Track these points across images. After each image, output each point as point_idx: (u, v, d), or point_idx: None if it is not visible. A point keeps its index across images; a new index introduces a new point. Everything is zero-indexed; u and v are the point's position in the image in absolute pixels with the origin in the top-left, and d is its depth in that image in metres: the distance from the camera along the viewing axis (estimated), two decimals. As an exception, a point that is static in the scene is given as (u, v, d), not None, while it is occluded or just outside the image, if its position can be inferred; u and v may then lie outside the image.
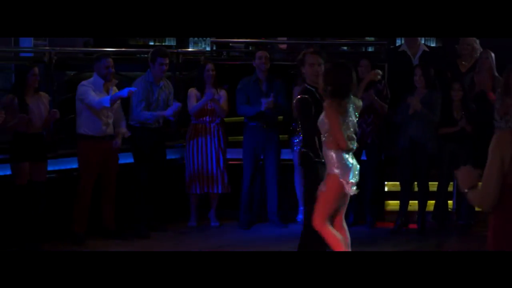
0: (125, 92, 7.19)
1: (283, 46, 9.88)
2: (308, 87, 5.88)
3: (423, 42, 8.86)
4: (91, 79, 7.36)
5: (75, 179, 7.35)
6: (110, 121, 7.36)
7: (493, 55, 7.99)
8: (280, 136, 8.08)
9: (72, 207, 7.28)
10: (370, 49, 10.36)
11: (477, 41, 8.29)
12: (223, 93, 7.95)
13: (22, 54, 9.27)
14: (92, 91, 7.21)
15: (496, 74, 7.94)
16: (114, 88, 7.42)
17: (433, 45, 10.49)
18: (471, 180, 3.41)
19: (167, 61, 7.60)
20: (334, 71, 5.53)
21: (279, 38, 9.48)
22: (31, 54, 9.17)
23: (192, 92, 7.93)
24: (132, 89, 7.26)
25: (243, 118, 8.10)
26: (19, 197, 6.84)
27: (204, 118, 7.91)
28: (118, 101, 7.34)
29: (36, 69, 6.98)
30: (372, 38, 11.30)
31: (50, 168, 7.22)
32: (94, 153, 7.25)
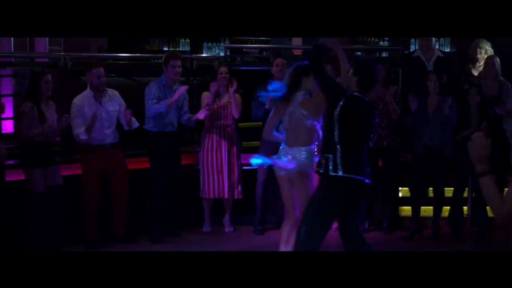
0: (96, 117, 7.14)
1: (298, 52, 9.87)
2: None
3: (437, 47, 8.82)
4: (84, 92, 7.34)
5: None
6: (109, 130, 7.34)
7: (498, 60, 7.97)
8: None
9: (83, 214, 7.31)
10: (384, 54, 10.33)
11: (489, 44, 8.25)
12: (237, 96, 7.94)
13: (37, 60, 9.30)
14: (81, 117, 7.16)
15: (502, 78, 7.93)
16: (110, 93, 7.39)
17: (447, 50, 10.47)
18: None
19: (180, 64, 7.60)
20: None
21: (294, 43, 9.47)
22: (46, 60, 9.20)
23: (206, 95, 7.93)
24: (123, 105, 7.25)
25: (257, 123, 8.09)
26: (35, 203, 6.84)
27: (219, 123, 7.92)
28: (116, 107, 7.30)
29: (49, 76, 7.00)
30: (386, 44, 11.32)
31: (63, 173, 7.24)
32: (95, 161, 7.25)
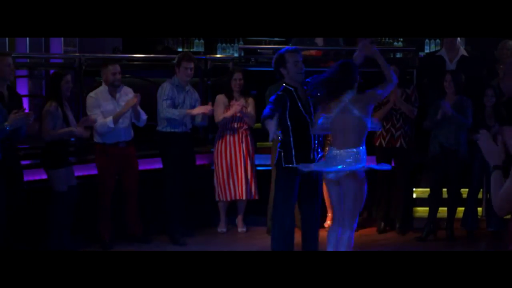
0: (129, 104, 7.22)
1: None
2: (286, 86, 6.05)
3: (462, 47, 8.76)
4: (99, 88, 7.43)
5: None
6: (123, 126, 7.38)
7: None
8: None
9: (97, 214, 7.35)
10: (398, 55, 10.30)
11: None
12: (250, 101, 7.97)
13: (52, 61, 9.36)
14: (97, 108, 7.26)
15: None
16: (124, 89, 7.43)
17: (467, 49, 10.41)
18: (492, 147, 3.39)
19: (192, 66, 7.62)
20: None
21: (313, 41, 9.43)
22: (61, 61, 9.25)
23: (221, 99, 7.95)
24: (135, 99, 7.25)
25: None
26: (59, 202, 6.89)
27: (232, 125, 7.93)
28: (130, 108, 7.33)
29: (69, 77, 7.06)
30: (401, 44, 11.29)
31: (77, 173, 7.28)
32: (110, 161, 7.30)
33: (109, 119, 7.21)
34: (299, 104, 5.95)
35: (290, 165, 5.98)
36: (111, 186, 7.35)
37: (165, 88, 7.59)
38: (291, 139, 5.98)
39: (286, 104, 5.93)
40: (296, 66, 5.97)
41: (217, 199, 8.00)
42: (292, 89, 6.00)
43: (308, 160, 5.92)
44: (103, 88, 7.40)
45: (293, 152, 5.96)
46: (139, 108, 7.37)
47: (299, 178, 6.02)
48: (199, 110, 7.62)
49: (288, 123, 5.96)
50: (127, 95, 7.42)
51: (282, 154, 6.03)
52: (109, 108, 7.30)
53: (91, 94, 7.40)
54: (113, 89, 7.37)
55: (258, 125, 8.24)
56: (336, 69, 5.75)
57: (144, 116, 7.46)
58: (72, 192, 6.97)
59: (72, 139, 7.25)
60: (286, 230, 6.15)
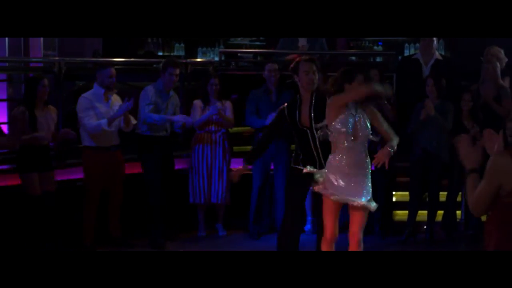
0: (124, 108, 7.20)
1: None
2: (297, 96, 6.04)
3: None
4: (92, 90, 7.40)
5: (82, 189, 7.38)
6: (114, 130, 7.37)
7: (498, 64, 7.98)
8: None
9: (80, 218, 7.31)
10: (378, 59, 10.37)
11: (502, 51, 8.24)
12: (228, 104, 7.98)
13: (32, 64, 9.31)
14: (91, 109, 7.24)
15: (502, 82, 7.93)
16: (114, 96, 7.43)
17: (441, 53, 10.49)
18: (469, 150, 3.41)
19: (178, 72, 7.64)
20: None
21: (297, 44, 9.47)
22: (41, 64, 9.21)
23: (197, 103, 7.95)
24: (128, 104, 7.21)
25: (249, 128, 8.11)
26: (32, 207, 6.85)
27: (209, 128, 7.94)
28: (116, 105, 7.32)
29: (46, 81, 7.01)
30: (381, 48, 11.37)
31: (58, 178, 7.24)
32: (98, 165, 7.27)
33: (104, 120, 7.18)
34: (296, 115, 5.96)
35: (297, 166, 6.05)
36: (98, 190, 7.33)
37: (149, 93, 7.58)
38: (297, 142, 6.10)
39: (283, 119, 6.05)
40: (307, 76, 5.91)
41: (191, 201, 7.99)
42: (298, 97, 6.03)
43: (314, 165, 5.88)
44: (96, 91, 7.37)
45: (300, 155, 6.05)
46: (131, 116, 7.40)
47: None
48: (180, 118, 7.64)
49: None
50: (117, 101, 7.42)
51: (293, 154, 6.22)
52: (102, 111, 7.27)
53: (85, 95, 7.36)
54: (107, 92, 7.35)
55: (236, 129, 8.28)
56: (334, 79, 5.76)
57: (133, 122, 7.47)
58: (48, 197, 6.93)
59: (51, 144, 7.20)
60: (289, 230, 6.19)
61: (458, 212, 8.15)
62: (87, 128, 7.23)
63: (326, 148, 5.74)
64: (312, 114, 5.91)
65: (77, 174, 7.60)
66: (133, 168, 7.74)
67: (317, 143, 5.88)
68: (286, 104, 6.15)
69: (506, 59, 8.19)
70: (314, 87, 5.94)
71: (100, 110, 7.28)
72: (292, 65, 6.05)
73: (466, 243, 7.86)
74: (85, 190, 7.32)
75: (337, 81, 5.57)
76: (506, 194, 3.27)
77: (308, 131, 5.92)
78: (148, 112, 7.51)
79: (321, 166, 5.80)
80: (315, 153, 5.90)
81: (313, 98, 5.94)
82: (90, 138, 7.29)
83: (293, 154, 6.20)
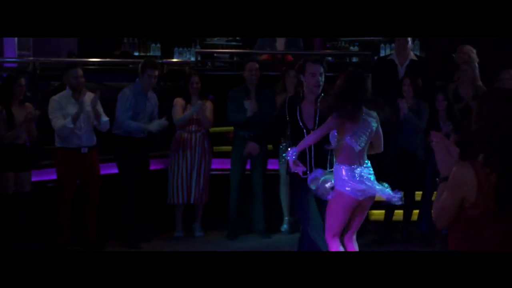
0: (85, 105, 7.18)
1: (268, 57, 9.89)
2: (300, 94, 5.91)
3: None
4: (63, 92, 7.36)
5: (55, 190, 7.34)
6: (86, 130, 7.33)
7: (475, 65, 8.04)
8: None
9: (55, 218, 7.26)
10: (354, 59, 10.42)
11: (474, 51, 8.31)
12: (208, 104, 7.97)
13: (6, 65, 9.23)
14: (59, 110, 7.20)
15: (480, 83, 7.99)
16: (88, 95, 7.37)
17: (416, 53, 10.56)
18: (450, 163, 3.34)
19: (156, 73, 7.63)
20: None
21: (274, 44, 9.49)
22: (15, 65, 9.14)
23: (179, 102, 7.94)
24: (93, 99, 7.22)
25: (228, 128, 8.10)
26: (2, 207, 6.81)
27: (190, 128, 7.92)
28: (89, 106, 7.28)
29: (23, 80, 7.02)
30: (357, 49, 11.43)
31: (34, 178, 7.20)
32: (71, 166, 7.24)
33: (68, 120, 7.14)
34: (298, 115, 5.84)
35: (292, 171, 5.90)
36: (71, 191, 7.29)
37: (127, 96, 7.55)
38: (291, 139, 6.01)
39: (285, 109, 5.91)
40: (313, 78, 5.74)
41: (169, 201, 7.97)
42: (301, 97, 5.89)
43: (305, 166, 5.75)
44: (66, 92, 7.34)
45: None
46: (99, 108, 7.32)
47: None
48: (157, 127, 7.64)
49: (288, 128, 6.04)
50: (95, 97, 7.38)
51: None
52: (71, 112, 7.23)
53: (54, 97, 7.33)
54: (77, 93, 7.30)
55: (215, 129, 8.27)
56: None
57: (104, 119, 7.42)
58: (23, 197, 6.88)
59: (27, 143, 7.16)
60: (307, 231, 5.87)
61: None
62: (55, 130, 7.20)
63: (320, 150, 5.70)
64: (317, 118, 5.80)
65: (50, 175, 7.54)
66: (113, 169, 7.72)
67: (312, 146, 5.75)
68: (288, 97, 6.07)
69: (477, 59, 8.27)
70: (320, 90, 5.80)
71: (69, 111, 7.23)
72: (298, 65, 5.92)
73: (441, 243, 7.90)
74: (58, 191, 7.28)
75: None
76: (470, 206, 3.16)
77: (304, 131, 5.81)
78: (128, 119, 7.50)
79: (311, 169, 5.73)
80: (308, 155, 5.79)
81: (319, 100, 5.81)
82: (60, 139, 7.26)
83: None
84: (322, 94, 5.84)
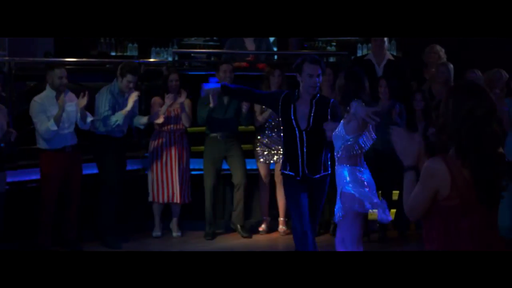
0: (64, 106, 7.13)
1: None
2: (296, 91, 5.84)
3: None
4: (44, 92, 7.31)
5: (35, 190, 7.28)
6: (69, 131, 7.29)
7: (451, 66, 8.10)
8: (244, 146, 8.10)
9: (35, 219, 7.20)
10: (331, 59, 10.44)
11: (443, 50, 8.37)
12: (187, 102, 7.95)
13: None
14: (42, 113, 7.16)
15: (453, 83, 8.05)
16: (69, 95, 7.33)
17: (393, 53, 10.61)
18: (406, 145, 3.35)
19: (136, 79, 7.59)
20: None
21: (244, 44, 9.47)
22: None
23: (157, 100, 7.91)
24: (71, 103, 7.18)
25: (204, 128, 8.09)
26: None
27: (168, 127, 7.89)
28: (70, 105, 7.23)
29: None
30: (334, 49, 11.45)
31: (9, 179, 7.14)
32: (55, 167, 7.21)
33: (51, 122, 7.09)
34: (291, 113, 5.77)
35: (284, 172, 5.89)
36: (55, 192, 7.25)
37: (105, 99, 7.50)
38: (284, 146, 5.96)
39: (279, 103, 5.82)
40: (311, 78, 5.67)
41: (150, 199, 7.94)
42: (296, 96, 5.80)
43: (296, 169, 5.77)
44: (49, 93, 7.28)
45: (285, 158, 5.90)
46: (87, 112, 7.33)
47: (307, 185, 5.83)
48: (131, 101, 7.53)
49: (281, 128, 5.96)
50: (72, 101, 7.33)
51: (282, 159, 6.05)
52: (54, 113, 7.17)
53: (36, 99, 7.26)
54: (59, 94, 7.25)
55: (193, 128, 8.25)
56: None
57: (90, 118, 7.38)
58: None
59: (1, 144, 7.09)
60: (299, 233, 5.79)
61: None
62: (40, 133, 7.16)
63: (312, 153, 5.71)
64: (312, 119, 5.76)
65: (29, 176, 7.50)
66: (90, 169, 7.70)
67: (304, 146, 5.75)
68: (284, 92, 5.92)
69: (445, 58, 8.34)
70: (316, 90, 5.77)
71: (53, 113, 7.18)
72: (296, 64, 5.81)
73: (418, 242, 7.94)
74: (41, 191, 7.23)
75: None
76: (444, 198, 3.19)
77: (296, 130, 5.76)
78: (110, 121, 7.47)
79: (304, 173, 5.72)
80: (299, 156, 5.75)
81: (314, 101, 5.79)
82: (43, 141, 7.21)
83: (281, 157, 6.03)
84: (318, 95, 5.83)
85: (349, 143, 5.39)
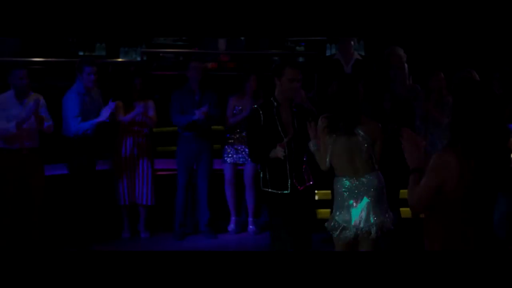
0: (29, 109, 7.03)
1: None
2: (271, 99, 5.60)
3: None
4: (7, 92, 7.22)
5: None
6: (28, 132, 7.20)
7: (406, 66, 8.16)
8: (214, 145, 8.10)
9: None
10: (301, 59, 10.48)
11: (402, 50, 8.44)
12: (151, 103, 7.93)
13: None
14: (1, 112, 7.07)
15: (410, 82, 8.14)
16: (33, 96, 7.24)
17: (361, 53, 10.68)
18: (418, 155, 3.48)
19: (95, 70, 7.49)
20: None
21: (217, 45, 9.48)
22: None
23: (119, 105, 7.83)
24: (31, 104, 7.05)
25: (173, 128, 8.06)
26: None
27: (133, 128, 7.86)
28: (37, 107, 7.15)
29: None
30: (303, 49, 11.48)
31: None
32: (10, 168, 7.13)
33: (12, 124, 7.01)
34: (277, 123, 5.53)
35: (266, 189, 5.58)
36: (9, 192, 7.15)
37: (73, 103, 7.43)
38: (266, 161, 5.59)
39: (260, 120, 5.51)
40: (291, 83, 5.47)
41: (118, 202, 7.91)
42: (275, 104, 5.55)
43: (285, 185, 5.53)
44: (11, 93, 7.20)
45: (267, 175, 5.56)
46: (42, 113, 7.20)
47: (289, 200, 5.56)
48: (105, 113, 7.47)
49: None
50: (35, 101, 7.25)
51: (261, 174, 5.62)
52: (15, 113, 7.09)
53: None
54: (21, 95, 7.17)
55: (159, 129, 8.22)
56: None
57: (47, 123, 7.30)
58: None
59: None
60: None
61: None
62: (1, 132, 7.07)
63: (299, 161, 5.58)
64: (296, 125, 5.56)
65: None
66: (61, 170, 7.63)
67: (292, 156, 5.51)
68: (256, 106, 5.66)
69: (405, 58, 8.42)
70: (296, 95, 5.65)
71: (13, 113, 7.10)
72: (275, 67, 5.66)
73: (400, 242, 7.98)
74: None
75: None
76: (449, 191, 3.31)
77: (285, 140, 5.48)
78: (78, 123, 7.40)
79: (294, 187, 5.52)
80: (288, 169, 5.50)
81: (294, 106, 5.62)
82: (1, 140, 7.13)
83: (260, 174, 5.65)
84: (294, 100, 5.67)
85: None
